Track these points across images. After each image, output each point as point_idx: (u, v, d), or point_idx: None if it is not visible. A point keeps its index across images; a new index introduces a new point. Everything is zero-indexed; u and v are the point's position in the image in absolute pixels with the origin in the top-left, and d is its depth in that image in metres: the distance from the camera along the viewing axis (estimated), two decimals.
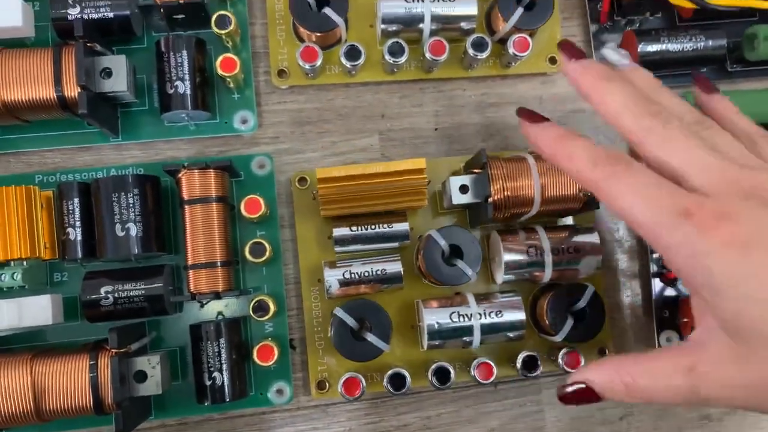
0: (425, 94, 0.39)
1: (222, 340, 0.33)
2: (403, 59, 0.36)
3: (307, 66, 0.35)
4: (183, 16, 0.35)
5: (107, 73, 0.34)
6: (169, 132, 0.36)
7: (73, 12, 0.34)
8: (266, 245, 0.34)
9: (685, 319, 0.37)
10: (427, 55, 0.36)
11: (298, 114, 0.38)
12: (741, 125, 0.29)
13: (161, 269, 0.34)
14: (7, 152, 0.36)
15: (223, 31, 0.35)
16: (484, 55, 0.36)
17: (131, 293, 0.33)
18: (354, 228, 0.35)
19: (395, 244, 0.36)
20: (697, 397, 0.25)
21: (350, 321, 0.33)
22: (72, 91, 0.33)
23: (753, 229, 0.23)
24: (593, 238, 0.35)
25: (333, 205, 0.34)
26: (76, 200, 0.34)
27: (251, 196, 0.34)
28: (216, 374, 0.33)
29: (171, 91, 0.34)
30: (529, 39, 0.36)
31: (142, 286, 0.33)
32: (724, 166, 0.25)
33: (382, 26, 0.36)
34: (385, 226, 0.35)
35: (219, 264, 0.33)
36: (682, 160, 0.25)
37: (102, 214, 0.33)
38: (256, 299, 0.34)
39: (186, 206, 0.33)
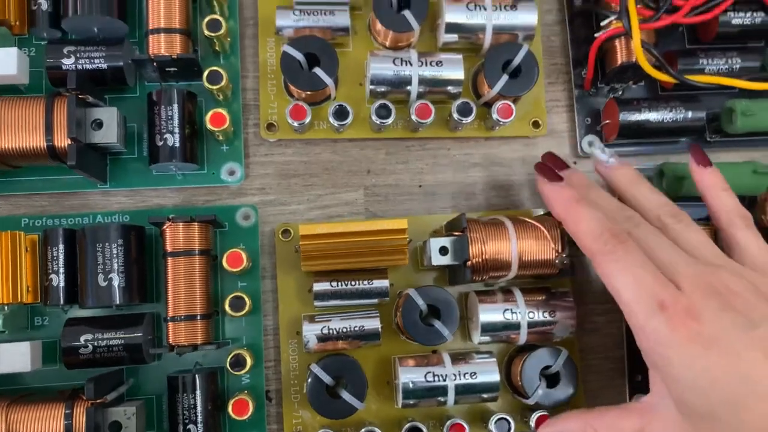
0: (410, 152, 0.40)
1: (197, 393, 0.33)
2: (389, 121, 0.36)
3: (295, 124, 0.36)
4: (175, 69, 0.36)
5: (98, 124, 0.34)
6: (157, 180, 0.37)
7: (68, 62, 0.35)
8: (246, 299, 0.35)
9: None
10: (414, 117, 0.37)
11: (285, 166, 0.39)
12: (725, 202, 0.33)
13: (141, 318, 0.34)
14: None
15: (214, 87, 0.35)
16: (469, 120, 0.37)
17: (111, 342, 0.34)
18: (334, 283, 0.35)
19: (374, 301, 0.36)
20: None
21: (326, 378, 0.34)
22: (62, 141, 0.33)
23: (713, 330, 0.26)
24: (568, 302, 0.36)
25: (314, 261, 0.34)
26: (61, 246, 0.34)
27: (234, 249, 0.35)
28: (191, 426, 0.33)
29: (160, 143, 0.35)
30: (512, 106, 0.37)
31: (122, 335, 0.34)
32: (692, 263, 0.29)
33: (371, 87, 0.37)
34: (365, 282, 0.36)
35: (199, 317, 0.34)
36: (664, 259, 0.29)
37: (86, 262, 0.33)
38: (234, 354, 0.34)
39: (169, 258, 0.34)
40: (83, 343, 0.33)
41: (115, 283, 0.33)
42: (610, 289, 0.30)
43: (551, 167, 0.35)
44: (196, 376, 0.34)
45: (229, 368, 0.34)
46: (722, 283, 0.28)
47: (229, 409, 0.34)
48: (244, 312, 0.35)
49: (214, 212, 0.36)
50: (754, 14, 0.39)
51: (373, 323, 0.35)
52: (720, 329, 0.26)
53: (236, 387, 0.36)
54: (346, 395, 0.34)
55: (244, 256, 0.35)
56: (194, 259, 0.34)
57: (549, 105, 0.40)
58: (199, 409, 0.33)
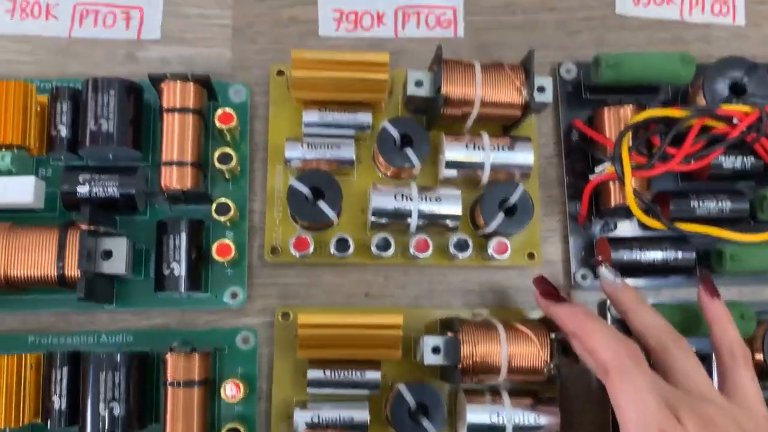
0: (408, 277, 0.41)
1: None
2: (389, 253, 0.38)
3: (298, 254, 0.37)
4: (185, 198, 0.37)
5: (108, 254, 0.36)
6: (161, 302, 0.38)
7: (82, 190, 0.36)
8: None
9: None
10: (412, 250, 0.38)
11: (286, 288, 0.40)
12: (731, 336, 0.35)
13: None
14: (3, 311, 0.38)
15: (222, 218, 0.37)
16: (466, 255, 0.38)
17: None
18: (328, 372, 0.37)
19: (366, 392, 0.37)
20: None
21: None
22: (72, 270, 0.35)
23: None
24: (554, 410, 0.37)
25: (311, 350, 0.36)
26: (65, 369, 0.35)
27: (233, 380, 0.36)
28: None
29: (167, 272, 0.36)
30: (507, 243, 0.38)
31: None
32: (689, 396, 0.32)
33: (372, 218, 0.38)
34: (358, 373, 0.37)
35: None
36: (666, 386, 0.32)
37: (87, 389, 0.34)
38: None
39: (169, 387, 0.35)
40: None
41: (116, 412, 0.34)
42: (615, 405, 0.31)
43: (549, 285, 0.37)
44: None
45: None
46: (710, 417, 0.31)
47: None
48: None
49: (215, 335, 0.37)
50: (744, 159, 0.40)
51: (362, 415, 0.36)
52: None
53: None
54: None
55: (241, 386, 0.36)
56: (193, 390, 0.35)
57: (544, 235, 0.42)
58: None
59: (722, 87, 0.41)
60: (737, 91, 0.41)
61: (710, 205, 0.40)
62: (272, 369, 0.38)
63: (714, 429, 0.30)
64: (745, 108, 0.39)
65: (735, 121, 0.38)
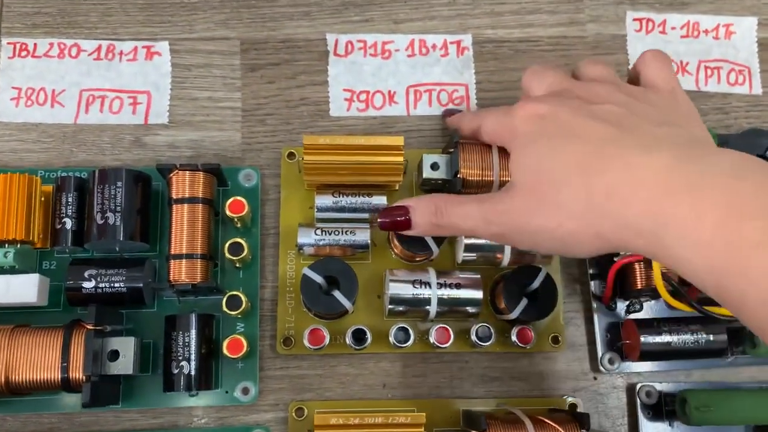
0: (428, 365, 0.39)
1: None
2: (409, 344, 0.36)
3: (313, 348, 0.36)
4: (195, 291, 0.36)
5: (114, 353, 0.34)
6: (170, 400, 0.36)
7: (88, 285, 0.35)
8: None
9: None
10: (432, 340, 0.36)
11: (299, 380, 0.38)
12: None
13: None
14: (3, 412, 0.36)
15: (233, 312, 0.35)
16: (488, 344, 0.37)
17: None
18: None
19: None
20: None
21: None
22: (77, 372, 0.33)
23: (551, 116, 0.31)
24: None
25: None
26: None
27: None
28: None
29: (176, 371, 0.34)
30: (531, 332, 0.37)
31: None
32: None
33: (390, 306, 0.37)
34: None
35: None
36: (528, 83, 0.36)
37: None
38: None
39: None
40: None
41: None
42: (480, 134, 0.36)
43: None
44: None
45: None
46: (588, 90, 0.33)
47: None
48: None
49: None
50: None
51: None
52: (555, 108, 0.31)
53: None
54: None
55: None
56: None
57: (567, 317, 0.40)
58: None
59: None
60: None
61: None
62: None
63: (588, 95, 0.32)
64: None
65: None
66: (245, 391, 0.37)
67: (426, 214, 0.33)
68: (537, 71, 0.35)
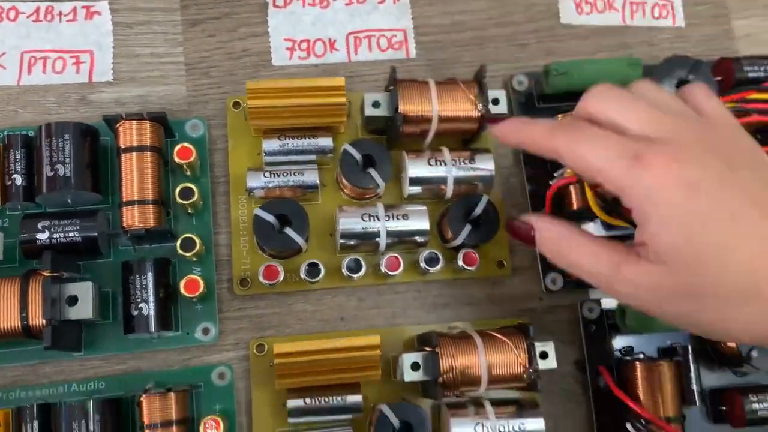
0: (382, 297, 0.41)
1: None
2: (360, 274, 0.38)
3: (268, 284, 0.37)
4: (149, 237, 0.37)
5: (73, 299, 0.35)
6: (132, 344, 0.37)
7: (42, 237, 0.36)
8: None
9: None
10: (383, 269, 0.38)
11: (258, 319, 0.40)
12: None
13: None
14: None
15: (188, 253, 0.36)
16: (437, 269, 0.38)
17: None
18: (308, 400, 0.36)
19: (348, 416, 0.37)
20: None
21: None
22: (37, 319, 0.34)
23: (696, 172, 0.26)
24: (538, 416, 0.37)
25: (288, 379, 0.35)
26: (35, 423, 0.34)
27: (211, 417, 0.35)
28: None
29: (135, 313, 0.35)
30: (476, 255, 0.39)
31: None
32: (660, 116, 0.29)
33: (341, 240, 0.38)
34: (339, 398, 0.36)
35: None
36: (619, 115, 0.29)
37: None
38: None
39: (146, 431, 0.34)
40: None
41: None
42: (576, 164, 0.29)
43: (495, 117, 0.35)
44: None
45: None
46: (695, 132, 0.28)
47: None
48: None
49: (190, 374, 0.36)
50: None
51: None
52: (703, 172, 0.26)
53: None
54: None
55: (220, 423, 0.35)
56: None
57: (513, 242, 0.42)
58: None
59: (669, 86, 0.42)
60: None
61: None
62: (251, 403, 0.38)
63: (707, 142, 0.27)
64: None
65: None
66: (206, 331, 0.38)
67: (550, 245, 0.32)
68: (625, 98, 0.30)
